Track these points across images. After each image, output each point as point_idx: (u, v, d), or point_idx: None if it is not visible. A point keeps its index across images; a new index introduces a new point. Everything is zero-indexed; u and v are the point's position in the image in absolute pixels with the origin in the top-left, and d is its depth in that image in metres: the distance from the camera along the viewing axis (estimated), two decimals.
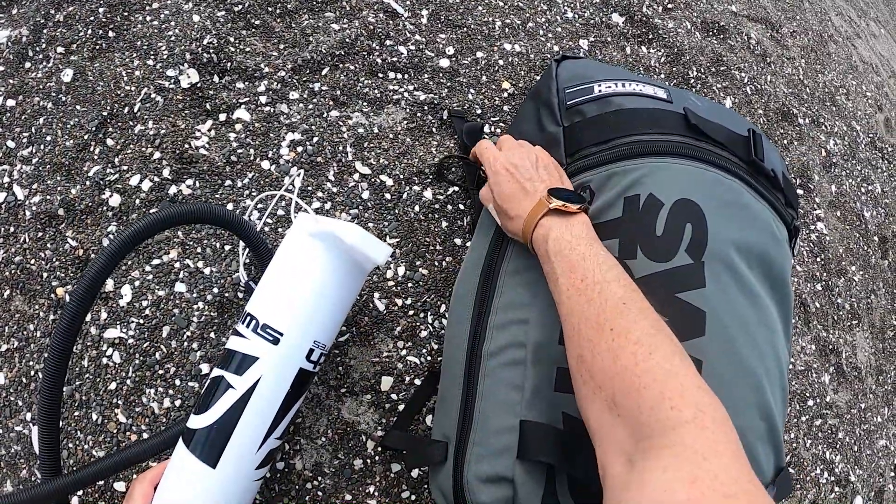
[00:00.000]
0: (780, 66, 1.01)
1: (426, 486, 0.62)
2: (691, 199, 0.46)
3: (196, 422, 0.44)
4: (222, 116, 0.66)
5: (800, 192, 0.93)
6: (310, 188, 0.64)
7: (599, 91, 0.53)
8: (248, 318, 0.45)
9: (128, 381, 0.61)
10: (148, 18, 0.70)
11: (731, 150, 0.51)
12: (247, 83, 0.67)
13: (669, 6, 0.92)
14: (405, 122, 0.67)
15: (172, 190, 0.64)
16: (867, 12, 1.36)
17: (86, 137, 0.66)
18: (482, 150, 0.53)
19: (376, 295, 0.62)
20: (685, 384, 0.31)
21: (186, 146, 0.65)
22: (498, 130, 0.69)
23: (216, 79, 0.67)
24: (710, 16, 0.96)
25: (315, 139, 0.65)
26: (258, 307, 0.45)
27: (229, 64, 0.67)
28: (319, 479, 0.60)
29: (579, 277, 0.39)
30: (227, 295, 0.62)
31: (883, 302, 0.99)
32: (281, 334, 0.44)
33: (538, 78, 0.74)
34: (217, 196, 0.64)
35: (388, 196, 0.64)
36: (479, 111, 0.69)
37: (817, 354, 0.86)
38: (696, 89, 0.87)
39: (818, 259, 0.91)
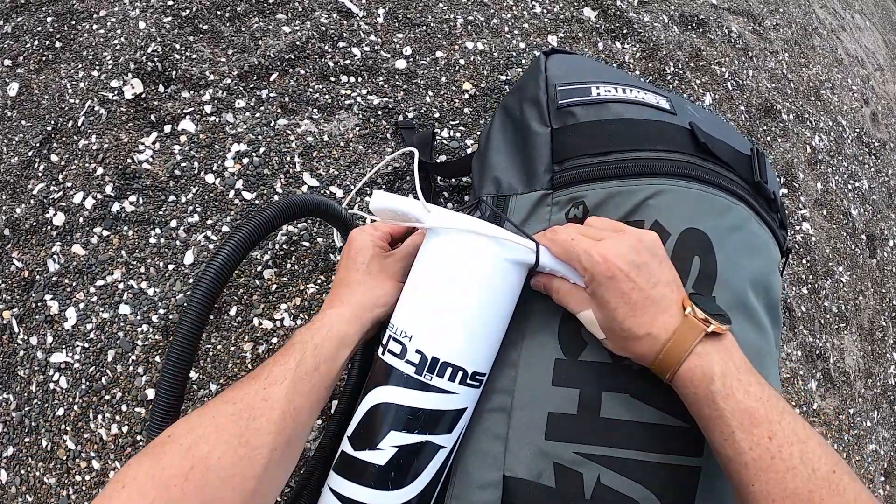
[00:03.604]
0: (762, 61, 0.90)
1: None
2: (699, 228, 0.39)
3: (394, 498, 0.35)
4: (167, 128, 0.58)
5: (784, 191, 0.83)
6: (256, 202, 0.55)
7: (598, 94, 0.44)
8: (451, 369, 0.35)
9: (75, 407, 0.53)
10: (94, 27, 0.62)
11: (735, 171, 0.43)
12: (192, 92, 0.58)
13: None
14: (357, 128, 0.58)
15: (115, 207, 0.56)
16: (852, 4, 1.23)
17: (30, 154, 0.58)
18: (568, 244, 0.36)
19: None
20: None
21: (129, 161, 0.57)
22: (458, 134, 0.60)
23: (161, 88, 0.59)
24: (689, 9, 0.85)
25: (262, 150, 0.57)
26: (460, 357, 0.35)
27: (174, 72, 0.59)
28: None
29: (766, 434, 0.29)
30: (171, 317, 0.54)
31: (871, 302, 0.88)
32: (485, 375, 0.37)
33: (502, 77, 0.64)
34: (161, 213, 0.56)
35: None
36: (437, 115, 0.60)
37: (803, 360, 0.76)
38: (673, 86, 0.77)
39: (804, 261, 0.80)
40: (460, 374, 0.34)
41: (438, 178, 0.58)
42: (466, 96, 0.62)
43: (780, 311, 0.45)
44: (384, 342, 0.37)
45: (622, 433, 0.35)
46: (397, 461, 0.34)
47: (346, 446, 0.36)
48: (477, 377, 0.36)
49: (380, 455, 0.34)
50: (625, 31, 0.77)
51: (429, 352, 0.34)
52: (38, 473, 0.54)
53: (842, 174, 0.91)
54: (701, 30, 0.86)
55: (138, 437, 0.51)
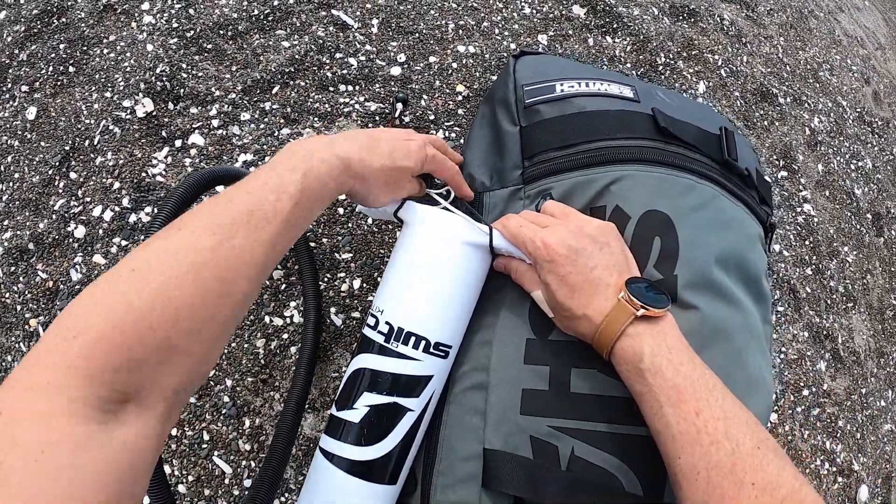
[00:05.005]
0: (756, 46, 0.93)
1: None
2: (660, 210, 0.42)
3: (368, 453, 0.40)
4: (178, 142, 0.63)
5: (783, 173, 0.86)
6: None
7: (561, 91, 0.48)
8: (414, 338, 0.40)
9: None
10: (105, 51, 0.68)
11: (702, 151, 0.46)
12: (200, 108, 0.64)
13: None
14: None
15: (132, 218, 0.61)
16: None
17: (50, 172, 0.64)
18: (516, 230, 0.40)
19: (333, 310, 0.58)
20: None
21: (144, 175, 0.62)
22: (452, 135, 0.65)
23: (171, 106, 0.64)
24: None
25: (267, 158, 0.62)
26: (422, 326, 0.40)
27: (182, 90, 0.64)
28: (286, 495, 0.56)
29: (692, 410, 0.32)
30: None
31: (880, 281, 0.90)
32: (450, 347, 0.42)
33: (493, 77, 0.69)
34: None
35: (340, 210, 0.60)
36: (432, 117, 0.65)
37: (811, 341, 0.79)
38: (665, 76, 0.81)
39: (807, 242, 0.83)
40: (423, 342, 0.40)
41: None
42: (460, 98, 0.67)
43: (766, 286, 0.48)
44: (366, 319, 0.43)
45: (592, 407, 0.39)
46: (369, 419, 0.40)
47: (332, 409, 0.42)
48: (441, 347, 0.41)
49: (355, 414, 0.40)
50: (615, 26, 0.81)
51: (395, 322, 0.40)
52: None
53: (843, 154, 0.93)
54: (692, 19, 0.90)
55: None
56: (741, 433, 0.31)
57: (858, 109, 1.00)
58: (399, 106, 0.62)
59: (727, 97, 0.86)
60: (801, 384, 0.77)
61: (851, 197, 0.90)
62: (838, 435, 0.78)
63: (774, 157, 0.86)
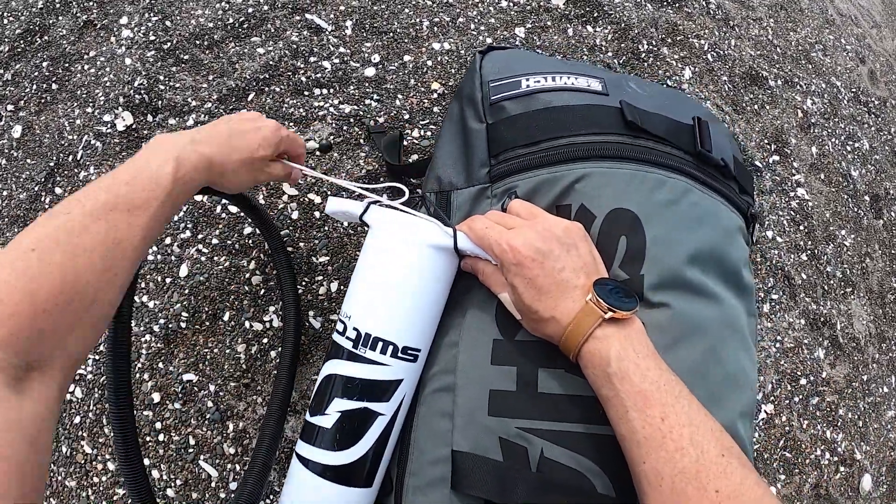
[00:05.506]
0: (745, 29, 0.92)
1: None
2: (626, 208, 0.41)
3: (341, 458, 0.41)
4: None
5: (775, 158, 0.84)
6: (241, 213, 0.61)
7: (527, 86, 0.48)
8: (381, 343, 0.40)
9: (90, 415, 0.60)
10: (86, 67, 0.70)
11: (674, 143, 0.45)
12: (177, 118, 0.65)
13: None
14: (332, 137, 0.64)
15: None
16: None
17: (36, 189, 0.66)
18: (482, 232, 0.39)
19: (311, 313, 0.58)
20: None
21: None
22: (428, 133, 0.65)
23: (149, 118, 0.65)
24: None
25: None
26: (389, 331, 0.40)
27: (160, 102, 0.65)
28: (271, 497, 0.57)
29: (658, 415, 0.32)
30: (171, 326, 0.60)
31: (880, 265, 0.88)
32: (419, 351, 0.42)
33: None
34: None
35: (316, 214, 0.61)
36: (406, 116, 0.65)
37: (808, 329, 0.78)
38: (647, 63, 0.80)
39: (801, 227, 0.81)
40: (391, 347, 0.40)
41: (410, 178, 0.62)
42: (435, 95, 0.67)
43: (748, 278, 0.46)
44: (334, 324, 0.43)
45: (561, 407, 0.38)
46: (341, 425, 0.40)
47: (307, 415, 0.42)
48: (409, 351, 0.41)
49: (327, 419, 0.40)
50: (595, 15, 0.81)
51: (362, 328, 0.40)
52: (59, 478, 0.61)
53: (839, 136, 0.91)
54: (677, 4, 0.89)
55: (147, 439, 0.57)
56: (706, 440, 0.31)
57: (854, 90, 0.98)
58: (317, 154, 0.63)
59: (714, 82, 0.85)
60: (799, 373, 0.75)
61: (848, 179, 0.89)
62: (839, 424, 0.77)
63: (766, 141, 0.85)
